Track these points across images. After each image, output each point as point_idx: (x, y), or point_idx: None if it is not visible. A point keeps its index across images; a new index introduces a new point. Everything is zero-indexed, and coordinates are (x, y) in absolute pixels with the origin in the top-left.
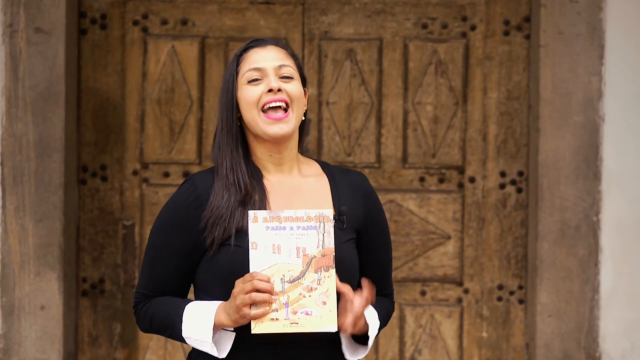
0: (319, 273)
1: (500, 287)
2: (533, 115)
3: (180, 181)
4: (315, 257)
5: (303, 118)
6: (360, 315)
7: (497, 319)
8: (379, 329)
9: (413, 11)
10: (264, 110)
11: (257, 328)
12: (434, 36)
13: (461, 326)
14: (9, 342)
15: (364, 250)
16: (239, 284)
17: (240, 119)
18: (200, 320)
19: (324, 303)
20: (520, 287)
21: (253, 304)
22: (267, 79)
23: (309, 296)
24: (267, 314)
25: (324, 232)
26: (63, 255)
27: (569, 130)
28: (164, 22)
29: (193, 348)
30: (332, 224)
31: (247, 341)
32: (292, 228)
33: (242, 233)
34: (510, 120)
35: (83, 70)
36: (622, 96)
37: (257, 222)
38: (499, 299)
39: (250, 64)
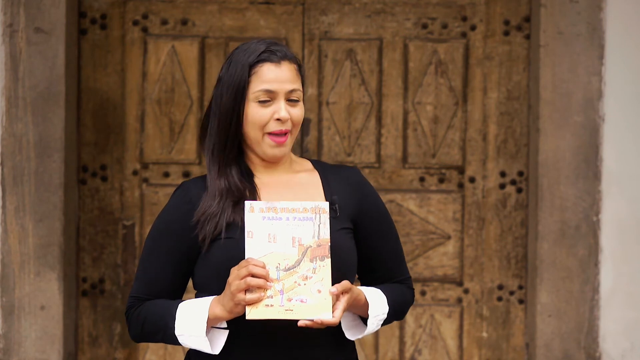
0: (314, 262)
1: (500, 287)
2: (533, 115)
3: (180, 181)
4: (310, 246)
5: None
6: (344, 295)
7: (497, 319)
8: (392, 316)
9: (413, 11)
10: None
11: (251, 314)
12: (434, 36)
13: (461, 326)
14: (9, 342)
15: (366, 241)
16: (234, 271)
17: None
18: (193, 315)
19: (319, 291)
20: (520, 287)
21: (248, 289)
22: (277, 104)
23: (304, 284)
24: (261, 299)
25: (320, 223)
26: (63, 255)
27: (569, 130)
28: (164, 22)
29: (188, 352)
30: (328, 216)
31: (243, 338)
32: (288, 219)
33: (234, 226)
34: (510, 120)
35: (83, 70)
36: (622, 96)
37: (253, 212)
38: (499, 299)
39: (263, 83)
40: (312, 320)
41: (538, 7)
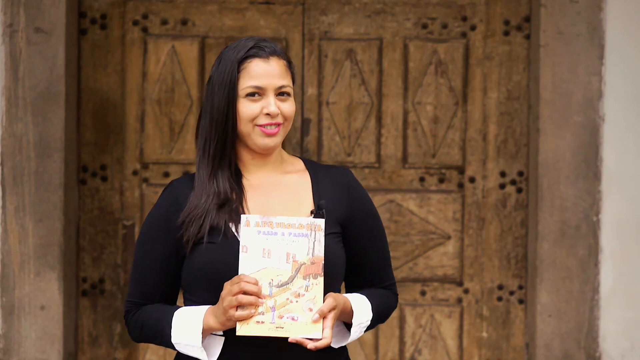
0: (308, 280)
1: (500, 287)
2: (533, 115)
3: None
4: (304, 263)
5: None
6: (329, 311)
7: (497, 319)
8: (375, 321)
9: (413, 11)
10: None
11: (242, 330)
12: (434, 36)
13: (461, 326)
14: (9, 342)
15: (354, 245)
16: (227, 286)
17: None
18: (189, 325)
19: (310, 310)
20: (520, 287)
21: (240, 306)
22: (266, 99)
23: (296, 302)
24: (252, 316)
25: (315, 240)
26: (63, 255)
27: (569, 130)
28: (164, 22)
29: (178, 352)
30: (323, 233)
31: (236, 344)
32: (283, 234)
33: (217, 230)
34: (510, 120)
35: (83, 70)
36: (622, 96)
37: (249, 226)
38: (499, 299)
39: (252, 79)
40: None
41: (538, 7)
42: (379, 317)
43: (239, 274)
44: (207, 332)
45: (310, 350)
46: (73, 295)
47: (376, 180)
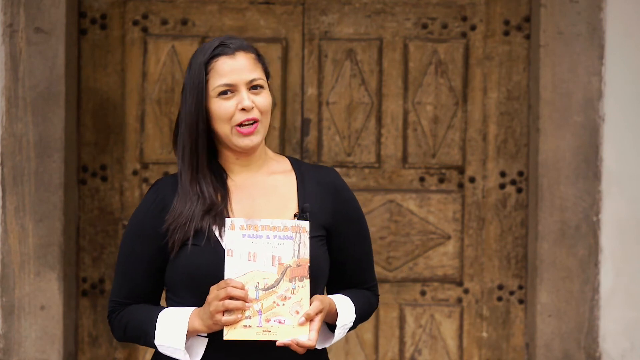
0: (294, 282)
1: (500, 287)
2: (533, 115)
3: None
4: (290, 266)
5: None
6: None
7: (497, 319)
8: (357, 322)
9: (413, 11)
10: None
11: (229, 334)
12: (434, 36)
13: (461, 326)
14: (9, 342)
15: (339, 246)
16: (214, 291)
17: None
18: (173, 327)
19: (297, 312)
20: (520, 287)
21: (226, 310)
22: (239, 94)
23: (283, 305)
24: (239, 321)
25: (300, 242)
26: (63, 255)
27: (569, 130)
28: (164, 22)
29: (156, 351)
30: (308, 235)
31: (220, 346)
32: (268, 237)
33: (201, 233)
34: (510, 120)
35: (83, 70)
36: (622, 96)
37: (233, 230)
38: (499, 299)
39: (221, 77)
40: (290, 341)
41: (538, 7)
42: (361, 317)
43: (225, 278)
44: (192, 334)
45: (292, 352)
46: (73, 295)
47: (376, 180)
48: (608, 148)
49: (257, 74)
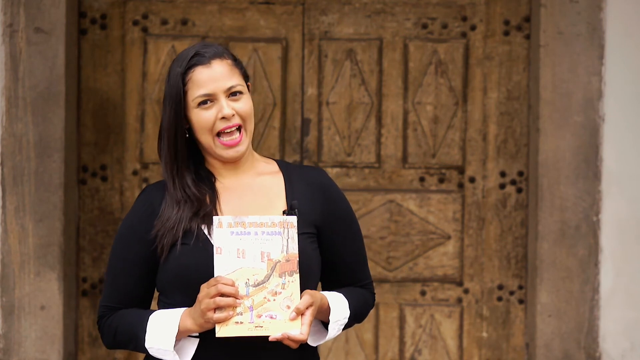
0: (283, 277)
1: (500, 287)
2: (533, 115)
3: None
4: (279, 261)
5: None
6: (306, 308)
7: (497, 319)
8: (352, 320)
9: (413, 11)
10: (218, 134)
11: (221, 331)
12: (434, 36)
13: (461, 326)
14: (9, 342)
15: (330, 245)
16: (204, 289)
17: (189, 132)
18: (163, 328)
19: (288, 307)
20: (520, 287)
21: (217, 308)
22: (219, 103)
23: (274, 300)
24: (230, 317)
25: (288, 237)
26: (63, 255)
27: (569, 130)
28: (164, 22)
29: (146, 355)
30: (296, 230)
31: (211, 345)
32: (256, 233)
33: (190, 233)
34: (510, 120)
35: (83, 70)
36: (622, 96)
37: (221, 228)
38: (499, 299)
39: (199, 88)
40: (282, 335)
41: (538, 7)
42: (356, 315)
43: (215, 275)
44: (184, 334)
45: (284, 348)
46: (73, 295)
47: (376, 180)
48: (608, 148)
49: (234, 81)
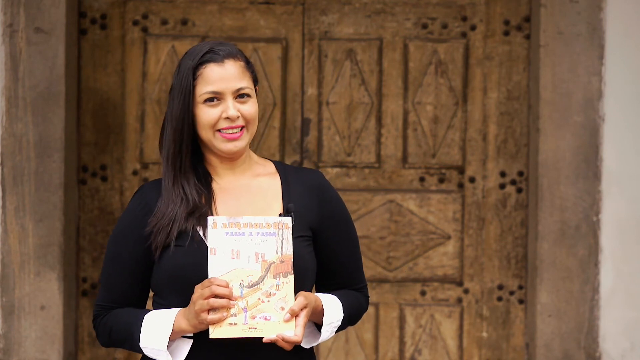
0: (278, 279)
1: (500, 287)
2: (533, 115)
3: None
4: (274, 262)
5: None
6: (300, 309)
7: (497, 319)
8: (346, 322)
9: (413, 11)
10: (219, 129)
11: (215, 333)
12: (434, 36)
13: (461, 326)
14: (9, 342)
15: (326, 247)
16: (198, 290)
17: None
18: (158, 328)
19: (282, 308)
20: (520, 287)
21: (211, 309)
22: (225, 103)
23: (268, 301)
24: (224, 319)
25: (283, 238)
26: (63, 255)
27: (569, 130)
28: (164, 22)
29: (143, 356)
30: (290, 231)
31: (205, 346)
32: (251, 234)
33: (184, 235)
34: (510, 120)
35: (83, 70)
36: (622, 96)
37: (216, 228)
38: (499, 299)
39: (208, 84)
40: (276, 337)
41: (538, 7)
42: (350, 318)
43: (209, 276)
44: (178, 335)
45: (278, 349)
46: (73, 295)
47: (376, 180)
48: (608, 148)
49: (244, 83)
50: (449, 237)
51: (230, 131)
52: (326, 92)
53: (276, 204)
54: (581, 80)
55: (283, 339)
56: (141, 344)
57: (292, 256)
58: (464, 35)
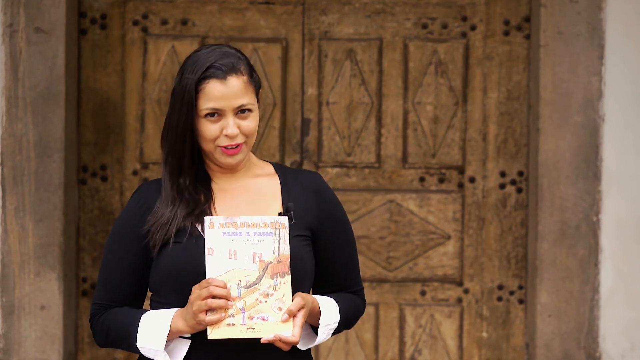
0: (275, 279)
1: (500, 287)
2: (533, 115)
3: None
4: (271, 263)
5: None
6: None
7: (497, 319)
8: (342, 325)
9: (413, 11)
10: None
11: (213, 333)
12: (434, 36)
13: (461, 326)
14: (9, 342)
15: (324, 249)
16: (196, 290)
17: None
18: (155, 329)
19: (280, 309)
20: (520, 287)
21: (209, 310)
22: (225, 119)
23: (265, 302)
24: (222, 319)
25: (280, 238)
26: (63, 255)
27: (569, 130)
28: (164, 22)
29: (140, 356)
30: (287, 231)
31: (202, 346)
32: (248, 234)
33: (183, 231)
34: (510, 120)
35: (83, 70)
36: (622, 96)
37: (213, 228)
38: (499, 299)
39: (209, 101)
40: (274, 337)
41: (538, 7)
42: (346, 321)
43: (207, 277)
44: (175, 335)
45: (276, 350)
46: (73, 295)
47: (376, 180)
48: (608, 148)
49: (246, 99)
50: (449, 237)
51: (230, 147)
52: (326, 92)
53: (275, 204)
54: (581, 80)
55: (280, 340)
56: (138, 344)
57: (289, 256)
58: (464, 35)
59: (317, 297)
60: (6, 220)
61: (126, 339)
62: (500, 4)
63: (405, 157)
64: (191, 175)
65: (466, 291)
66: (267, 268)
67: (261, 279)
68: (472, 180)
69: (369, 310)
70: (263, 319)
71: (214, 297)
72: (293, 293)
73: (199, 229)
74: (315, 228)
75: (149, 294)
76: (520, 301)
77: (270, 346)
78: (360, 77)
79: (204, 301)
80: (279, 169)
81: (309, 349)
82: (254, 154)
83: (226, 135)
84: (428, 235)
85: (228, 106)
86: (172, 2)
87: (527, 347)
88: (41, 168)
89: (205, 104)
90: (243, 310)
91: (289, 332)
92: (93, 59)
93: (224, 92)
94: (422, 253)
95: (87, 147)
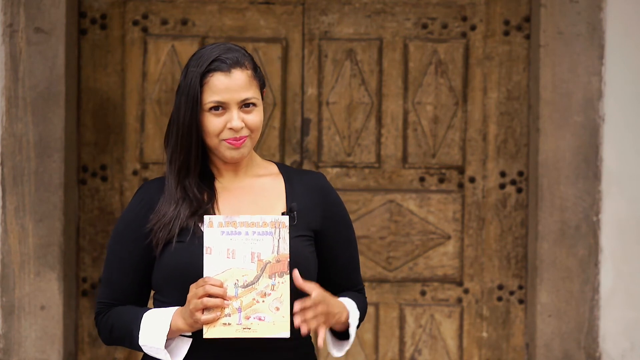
0: (273, 279)
1: (500, 287)
2: (533, 115)
3: None
4: (269, 262)
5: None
6: (321, 310)
7: (497, 319)
8: (359, 322)
9: (413, 11)
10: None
11: (209, 333)
12: (434, 36)
13: (461, 326)
14: (9, 342)
15: (326, 249)
16: (192, 289)
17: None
18: (156, 327)
19: (277, 309)
20: (520, 287)
21: (205, 308)
22: (230, 113)
23: (263, 301)
24: (218, 319)
25: (279, 237)
26: (63, 255)
27: (569, 130)
28: (164, 22)
29: (144, 353)
30: (287, 230)
31: (204, 345)
32: (247, 233)
33: (186, 230)
34: (510, 120)
35: (83, 70)
36: (622, 96)
37: (212, 227)
38: (499, 299)
39: (214, 94)
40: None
41: (538, 7)
42: (361, 318)
43: (204, 276)
44: (175, 334)
45: (279, 349)
46: (73, 295)
47: (376, 180)
48: (608, 148)
49: (250, 93)
50: (449, 237)
51: (234, 140)
52: (326, 92)
53: (279, 204)
54: (581, 80)
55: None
56: (140, 342)
57: (288, 256)
58: (464, 35)
59: (342, 299)
60: (6, 220)
61: (129, 337)
62: (500, 4)
63: (405, 157)
64: (196, 174)
65: (466, 291)
66: (265, 267)
67: (259, 279)
68: (472, 180)
69: (369, 310)
70: (259, 319)
71: (210, 296)
72: (292, 293)
73: (202, 228)
74: (319, 228)
75: (153, 293)
76: (520, 301)
77: (272, 345)
78: (360, 77)
79: (199, 300)
80: (283, 169)
81: (312, 346)
82: (256, 155)
83: (231, 129)
84: (428, 235)
85: (232, 99)
86: (172, 2)
87: (527, 347)
88: (41, 168)
89: (210, 97)
90: (240, 309)
91: (287, 332)
92: (93, 59)
93: (229, 84)
94: (422, 253)
95: (87, 147)
